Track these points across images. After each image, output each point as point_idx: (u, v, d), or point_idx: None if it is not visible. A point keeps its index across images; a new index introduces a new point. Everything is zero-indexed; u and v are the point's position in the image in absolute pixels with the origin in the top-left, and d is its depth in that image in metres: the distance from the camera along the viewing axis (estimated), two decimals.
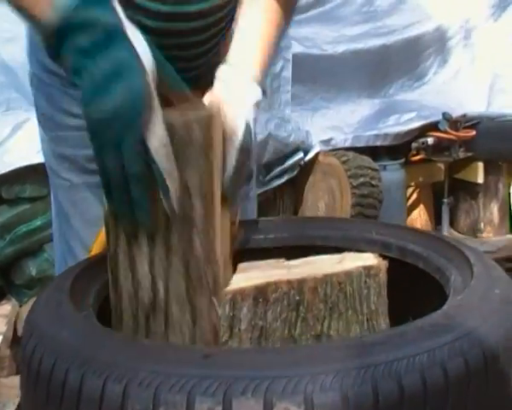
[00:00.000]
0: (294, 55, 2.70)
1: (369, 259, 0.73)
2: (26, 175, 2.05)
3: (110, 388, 0.53)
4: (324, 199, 2.74)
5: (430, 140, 2.81)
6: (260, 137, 2.54)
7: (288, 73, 2.68)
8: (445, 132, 2.81)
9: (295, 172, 2.68)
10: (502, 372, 0.59)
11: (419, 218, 3.14)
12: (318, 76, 2.80)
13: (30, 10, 0.68)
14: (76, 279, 0.74)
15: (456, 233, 3.22)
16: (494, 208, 3.11)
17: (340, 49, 2.83)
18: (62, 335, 0.60)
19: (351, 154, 2.67)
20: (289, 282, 0.60)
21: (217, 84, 0.84)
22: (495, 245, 2.96)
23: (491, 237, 3.10)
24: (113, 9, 0.67)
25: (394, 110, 2.93)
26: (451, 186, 3.06)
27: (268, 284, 0.61)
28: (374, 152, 2.82)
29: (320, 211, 2.78)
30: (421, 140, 2.81)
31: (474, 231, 3.17)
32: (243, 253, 0.83)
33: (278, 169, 2.63)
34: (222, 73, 0.85)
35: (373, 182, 2.65)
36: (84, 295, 0.72)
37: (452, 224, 3.23)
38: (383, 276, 0.71)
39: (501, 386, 0.59)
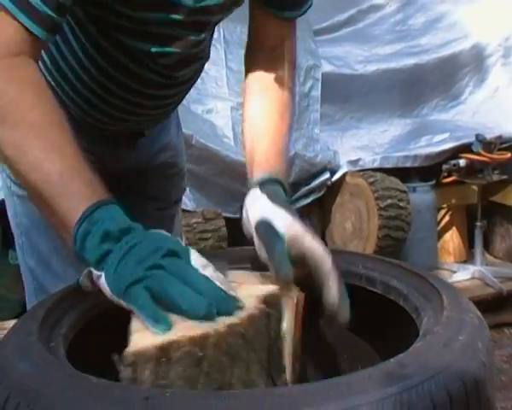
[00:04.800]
0: (324, 74, 2.70)
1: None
2: None
3: None
4: (351, 220, 2.72)
5: (462, 162, 2.76)
6: None
7: (317, 93, 2.68)
8: (478, 154, 2.75)
9: (322, 192, 2.67)
10: None
11: (451, 241, 3.07)
12: (348, 95, 2.79)
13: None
14: (51, 308, 0.76)
15: (491, 258, 3.14)
16: None
17: (372, 68, 2.81)
18: (20, 368, 0.62)
19: (378, 175, 2.64)
20: (192, 339, 0.60)
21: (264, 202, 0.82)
22: None
23: None
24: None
25: (426, 131, 2.89)
26: (487, 209, 2.98)
27: (170, 344, 0.60)
28: (404, 173, 2.78)
29: (347, 231, 2.76)
30: (453, 162, 2.76)
31: (511, 256, 3.08)
32: None
33: (305, 189, 2.63)
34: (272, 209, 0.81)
35: (401, 204, 2.62)
36: (57, 324, 0.74)
37: (488, 248, 3.15)
38: (295, 306, 0.72)
39: None
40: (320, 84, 2.69)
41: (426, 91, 2.98)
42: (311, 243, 0.78)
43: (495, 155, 2.78)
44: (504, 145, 2.86)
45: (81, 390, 0.57)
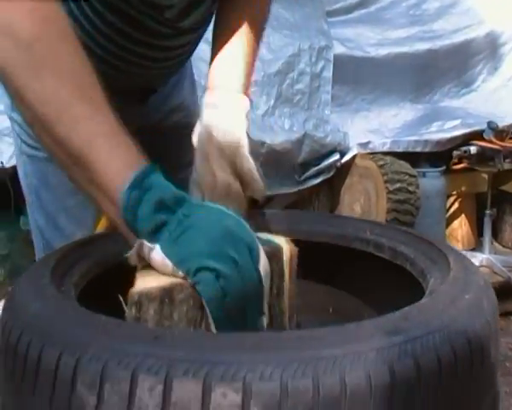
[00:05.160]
0: (336, 56, 2.69)
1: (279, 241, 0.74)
2: None
3: (64, 361, 0.56)
4: (360, 202, 2.72)
5: (473, 149, 2.75)
6: (297, 136, 2.55)
7: (328, 74, 2.68)
8: (490, 142, 2.74)
9: (331, 173, 2.67)
10: (455, 378, 0.59)
11: (460, 228, 3.07)
12: (360, 78, 2.78)
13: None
14: (63, 257, 0.77)
15: (499, 247, 3.14)
16: None
17: (384, 51, 2.80)
18: (33, 307, 0.63)
19: (388, 158, 2.64)
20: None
21: (206, 110, 0.88)
22: None
23: None
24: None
25: (438, 117, 2.88)
26: (497, 198, 2.97)
27: (174, 286, 0.61)
28: (414, 158, 2.77)
29: (356, 213, 2.76)
30: (464, 148, 2.75)
31: None
32: None
33: (314, 169, 2.63)
34: (208, 97, 0.90)
35: (410, 188, 2.61)
36: (68, 272, 0.75)
37: (496, 237, 3.14)
38: (289, 260, 0.73)
39: (451, 396, 0.59)
40: (332, 66, 2.68)
41: (438, 77, 2.97)
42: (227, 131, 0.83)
43: (507, 143, 2.77)
44: None
45: (91, 327, 0.59)
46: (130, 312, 0.61)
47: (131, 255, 0.66)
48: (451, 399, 0.59)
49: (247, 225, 0.68)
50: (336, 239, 0.95)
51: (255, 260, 0.65)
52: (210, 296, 0.63)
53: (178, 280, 0.63)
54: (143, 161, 0.68)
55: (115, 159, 0.67)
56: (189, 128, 1.20)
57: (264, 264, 0.66)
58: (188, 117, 1.17)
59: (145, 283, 0.63)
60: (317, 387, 0.53)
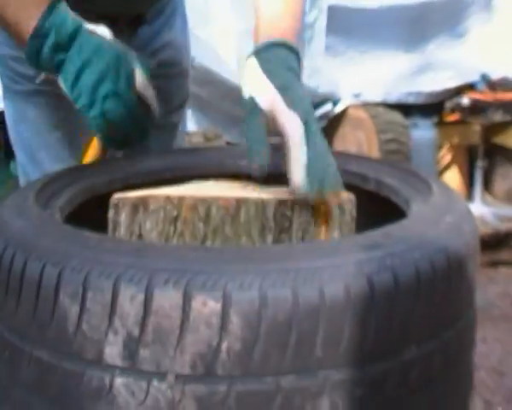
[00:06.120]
0: (330, 6, 2.66)
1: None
2: None
3: (47, 272, 0.57)
4: (352, 152, 2.72)
5: (465, 100, 2.74)
6: None
7: (321, 24, 2.64)
8: (482, 93, 2.73)
9: (323, 124, 2.66)
10: (434, 294, 0.60)
11: (451, 180, 3.07)
12: (353, 29, 2.75)
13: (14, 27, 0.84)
14: (49, 182, 0.78)
15: (490, 198, 3.16)
16: None
17: (377, 3, 2.76)
18: (17, 224, 0.64)
19: (380, 109, 2.63)
20: (168, 197, 0.63)
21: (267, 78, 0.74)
22: None
23: None
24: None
25: (431, 68, 2.86)
26: (488, 150, 2.98)
27: (149, 196, 0.64)
28: (406, 109, 2.76)
29: None
30: (456, 100, 2.74)
31: (510, 196, 3.09)
32: (222, 176, 0.85)
33: None
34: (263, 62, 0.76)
35: (402, 139, 2.61)
36: (54, 196, 0.76)
37: (487, 188, 3.16)
38: (317, 215, 0.71)
39: (429, 310, 0.60)
40: (325, 16, 2.64)
41: (431, 29, 2.93)
42: (285, 119, 0.71)
43: (499, 95, 2.76)
44: (509, 86, 2.84)
45: (74, 241, 0.59)
46: (110, 214, 0.63)
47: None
48: (429, 313, 0.60)
49: (128, 54, 0.85)
50: None
51: (132, 87, 0.83)
52: (101, 129, 0.83)
53: (156, 192, 0.64)
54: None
55: (25, 11, 0.81)
56: (180, 66, 1.18)
57: (142, 87, 0.85)
58: (178, 55, 1.16)
59: (130, 194, 0.65)
60: (297, 297, 0.54)
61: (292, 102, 0.71)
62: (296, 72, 0.77)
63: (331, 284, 0.55)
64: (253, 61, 0.76)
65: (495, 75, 2.78)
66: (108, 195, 0.71)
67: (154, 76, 1.14)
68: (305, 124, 0.70)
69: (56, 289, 0.56)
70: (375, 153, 2.60)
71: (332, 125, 2.67)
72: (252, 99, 0.73)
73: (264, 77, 0.73)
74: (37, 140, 1.07)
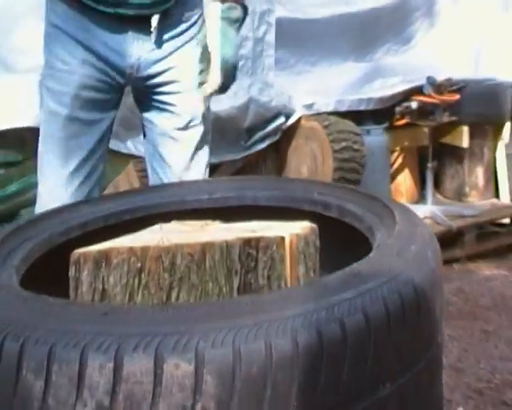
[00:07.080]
0: (278, 20, 2.67)
1: (295, 228, 0.72)
2: None
3: (8, 346, 0.54)
4: (307, 163, 2.73)
5: (414, 104, 2.79)
6: (241, 101, 2.53)
7: (271, 38, 2.65)
8: (429, 96, 2.78)
9: (277, 137, 2.67)
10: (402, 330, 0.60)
11: (404, 182, 3.13)
12: (303, 40, 2.76)
13: None
14: (4, 239, 0.75)
15: (441, 198, 3.22)
16: (479, 172, 3.10)
17: (325, 13, 2.79)
18: None
19: (333, 118, 2.65)
20: (131, 249, 0.61)
21: None
22: (479, 209, 2.96)
23: (476, 200, 3.09)
24: None
25: (379, 74, 2.90)
26: (437, 151, 3.04)
27: (111, 249, 0.61)
28: (358, 116, 2.79)
29: (303, 175, 2.77)
30: (405, 104, 2.79)
31: (460, 195, 3.16)
32: (183, 213, 0.84)
33: (260, 133, 2.62)
34: None
35: (355, 146, 2.64)
36: (10, 254, 0.73)
37: (438, 188, 3.22)
38: (282, 250, 0.70)
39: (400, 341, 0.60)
40: (274, 29, 2.65)
41: (378, 36, 2.98)
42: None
43: (445, 97, 2.82)
44: (453, 87, 2.91)
45: (36, 310, 0.57)
46: (71, 272, 0.60)
47: None
48: (400, 344, 0.60)
49: None
50: (285, 202, 0.95)
51: None
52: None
53: (118, 244, 0.62)
54: None
55: None
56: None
57: None
58: None
59: (90, 248, 0.63)
60: (270, 349, 0.53)
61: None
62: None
63: (304, 333, 0.54)
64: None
65: (440, 77, 2.84)
66: (67, 244, 0.69)
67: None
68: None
69: (19, 364, 0.53)
70: (329, 163, 2.62)
71: (286, 137, 2.68)
72: None
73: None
74: None
